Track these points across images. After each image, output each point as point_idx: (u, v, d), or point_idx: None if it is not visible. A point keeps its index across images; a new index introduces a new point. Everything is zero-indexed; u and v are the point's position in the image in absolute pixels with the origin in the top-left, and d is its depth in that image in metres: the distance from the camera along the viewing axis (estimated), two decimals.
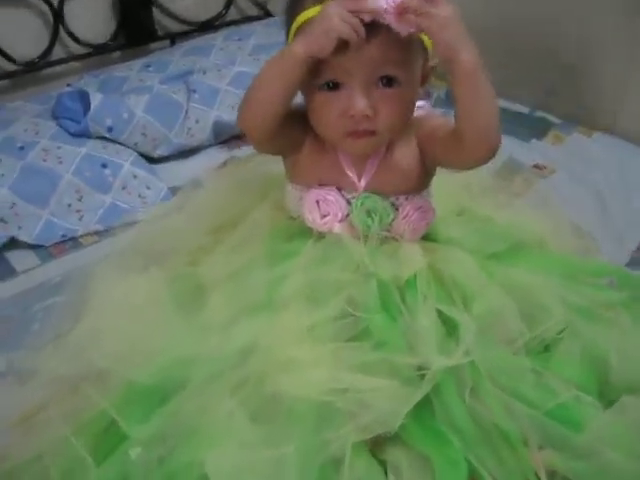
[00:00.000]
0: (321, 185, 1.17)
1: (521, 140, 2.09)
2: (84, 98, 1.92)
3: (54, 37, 2.20)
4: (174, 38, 2.46)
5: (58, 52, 2.25)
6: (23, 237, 1.70)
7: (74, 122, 1.89)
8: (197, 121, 2.02)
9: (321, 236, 1.17)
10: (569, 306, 1.16)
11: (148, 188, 1.87)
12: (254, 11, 2.61)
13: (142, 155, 1.95)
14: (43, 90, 2.20)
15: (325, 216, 1.15)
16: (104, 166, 1.84)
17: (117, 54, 2.39)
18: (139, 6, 2.33)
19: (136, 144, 1.94)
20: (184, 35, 2.46)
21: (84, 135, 1.89)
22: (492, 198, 1.45)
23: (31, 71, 2.21)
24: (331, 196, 1.15)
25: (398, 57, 1.05)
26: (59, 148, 1.83)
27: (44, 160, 1.79)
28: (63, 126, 1.90)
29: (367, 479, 0.98)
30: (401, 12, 0.98)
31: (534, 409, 1.03)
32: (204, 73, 2.10)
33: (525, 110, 2.26)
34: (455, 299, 1.11)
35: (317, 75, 1.07)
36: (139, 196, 1.85)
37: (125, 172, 1.86)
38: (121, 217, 1.78)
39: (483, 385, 1.04)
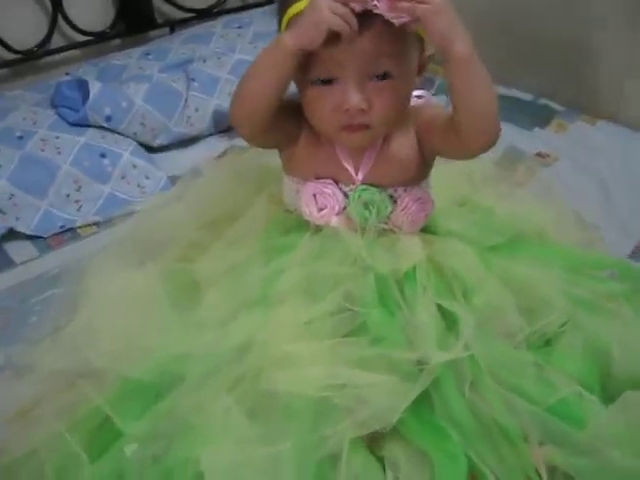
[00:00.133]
0: (318, 178, 1.15)
1: (523, 128, 2.07)
2: (83, 87, 1.91)
3: (53, 25, 2.19)
4: (173, 26, 2.44)
5: (57, 40, 2.24)
6: (21, 228, 1.70)
7: (73, 111, 1.88)
8: (197, 110, 2.01)
9: (318, 229, 1.15)
10: (570, 299, 1.14)
11: (147, 178, 1.86)
12: None
13: (141, 144, 1.94)
14: (42, 79, 2.19)
15: (322, 209, 1.14)
16: (103, 156, 1.84)
17: (116, 42, 2.38)
18: None
19: (135, 133, 1.93)
20: (184, 23, 2.45)
21: (83, 124, 1.88)
22: (493, 188, 1.44)
23: (30, 60, 2.20)
24: (328, 189, 1.13)
25: (392, 49, 1.04)
26: (57, 138, 1.82)
27: (42, 150, 1.78)
28: (62, 115, 1.89)
29: (364, 475, 0.97)
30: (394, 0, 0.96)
31: (535, 404, 1.02)
32: (204, 61, 2.09)
33: (528, 97, 2.24)
34: (455, 292, 1.10)
35: (310, 69, 1.05)
36: (138, 186, 1.84)
37: (124, 162, 1.85)
38: (120, 207, 1.77)
39: (483, 380, 1.03)
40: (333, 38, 0.99)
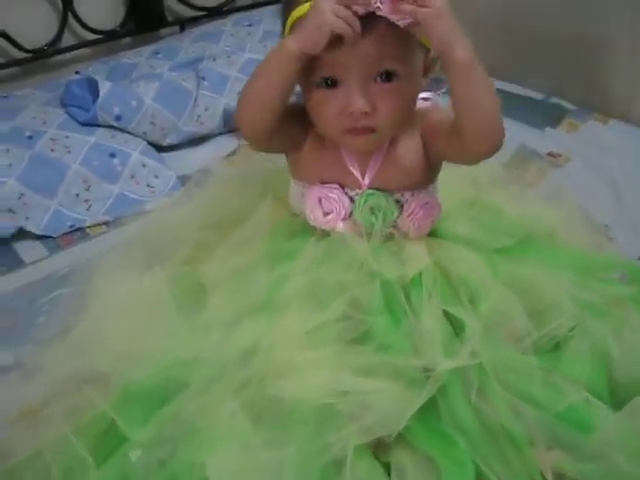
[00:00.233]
0: (323, 182, 1.14)
1: (535, 128, 2.06)
2: (93, 86, 1.90)
3: (63, 24, 2.19)
4: (184, 24, 2.44)
5: (67, 39, 2.24)
6: (31, 228, 1.70)
7: (83, 110, 1.88)
8: (206, 109, 2.00)
9: (324, 234, 1.15)
10: (579, 302, 1.14)
11: (157, 177, 1.86)
12: None
13: (151, 144, 1.94)
14: (52, 77, 2.19)
15: (328, 214, 1.13)
16: (112, 155, 1.84)
17: (126, 40, 2.38)
18: None
19: (145, 133, 1.93)
20: (194, 21, 2.44)
21: (93, 123, 1.88)
22: (503, 189, 1.42)
23: (40, 58, 2.20)
24: (334, 194, 1.12)
25: (396, 51, 1.03)
26: (67, 137, 1.82)
27: (52, 150, 1.78)
28: (72, 114, 1.89)
29: None
30: (397, 1, 0.96)
31: (543, 410, 1.02)
32: (214, 60, 2.08)
33: (540, 96, 2.22)
34: (462, 298, 1.09)
35: (314, 72, 1.05)
36: (147, 185, 1.84)
37: (134, 161, 1.85)
38: (129, 207, 1.78)
39: (490, 385, 1.02)
40: (336, 41, 0.99)
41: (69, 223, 1.74)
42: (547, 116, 2.12)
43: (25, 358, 1.25)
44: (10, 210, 1.68)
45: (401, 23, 0.98)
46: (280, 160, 1.22)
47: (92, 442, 1.05)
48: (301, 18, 1.02)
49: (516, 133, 1.99)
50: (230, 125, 2.04)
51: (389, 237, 1.14)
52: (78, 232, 1.74)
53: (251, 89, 1.07)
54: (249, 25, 2.27)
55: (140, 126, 1.91)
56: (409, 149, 1.13)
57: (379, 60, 1.03)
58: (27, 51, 2.14)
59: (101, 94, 1.86)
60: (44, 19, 2.18)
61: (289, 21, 1.05)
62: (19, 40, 2.11)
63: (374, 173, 1.13)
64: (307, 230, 1.16)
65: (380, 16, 0.97)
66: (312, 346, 1.03)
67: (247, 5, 2.54)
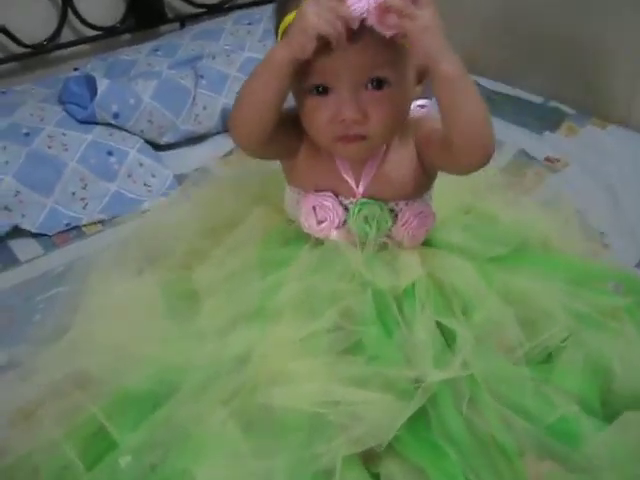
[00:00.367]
0: (318, 190, 1.14)
1: (534, 132, 2.06)
2: (91, 83, 1.90)
3: (62, 20, 2.18)
4: (184, 21, 2.43)
5: (67, 35, 2.23)
6: (26, 225, 1.70)
7: (81, 108, 1.88)
8: (205, 108, 2.00)
9: (318, 242, 1.15)
10: (572, 313, 1.13)
11: (153, 176, 1.86)
12: None
13: (148, 142, 1.94)
14: (51, 73, 2.19)
15: (322, 222, 1.13)
16: (110, 154, 1.83)
17: (126, 37, 2.37)
18: None
19: (142, 131, 1.92)
20: (194, 18, 2.43)
21: (91, 121, 1.87)
22: (500, 195, 1.42)
23: (39, 54, 2.19)
24: (328, 202, 1.12)
25: (386, 58, 1.02)
26: (64, 135, 1.82)
27: (49, 147, 1.78)
28: (70, 112, 1.88)
29: None
30: (383, 12, 0.95)
31: (534, 421, 1.02)
32: (213, 58, 2.08)
33: (538, 100, 2.22)
34: (454, 308, 1.09)
35: (305, 79, 1.04)
36: (144, 184, 1.84)
37: (131, 160, 1.85)
38: (126, 206, 1.78)
39: (481, 396, 1.02)
40: (326, 48, 0.99)
41: (65, 221, 1.73)
42: (546, 120, 2.11)
43: (19, 358, 1.25)
44: (6, 208, 1.68)
45: (387, 34, 0.97)
46: (276, 162, 1.22)
47: (82, 444, 1.05)
48: (292, 23, 1.01)
49: (515, 137, 2.00)
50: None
51: (383, 246, 1.14)
52: (74, 230, 1.74)
53: (245, 99, 1.07)
54: (249, 24, 2.26)
55: (138, 124, 1.91)
56: (403, 158, 1.13)
57: (369, 67, 1.02)
58: (26, 46, 2.14)
59: (99, 92, 1.85)
60: (44, 15, 2.17)
61: (281, 28, 1.05)
62: (18, 35, 2.10)
63: (368, 181, 1.13)
64: (301, 237, 1.16)
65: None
66: (304, 355, 1.03)
67: (248, 2, 2.53)
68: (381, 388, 1.00)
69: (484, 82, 2.27)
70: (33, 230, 1.70)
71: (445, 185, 1.23)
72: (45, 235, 1.71)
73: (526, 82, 2.24)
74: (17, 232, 1.70)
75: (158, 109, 1.93)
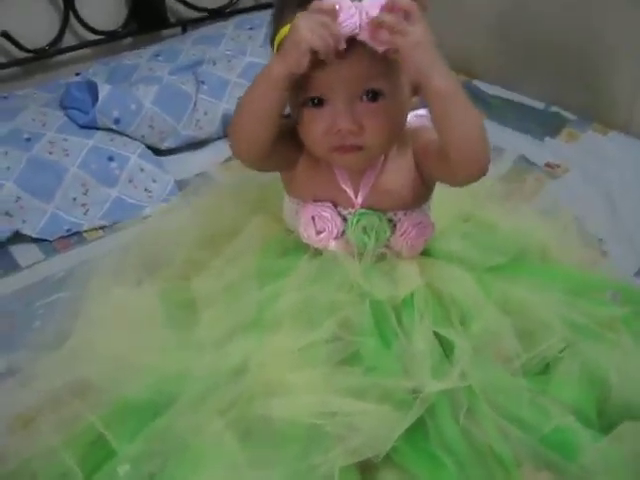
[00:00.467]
0: (317, 200, 1.15)
1: (535, 138, 2.06)
2: (92, 88, 1.90)
3: (64, 24, 2.19)
4: (186, 25, 2.44)
5: (69, 39, 2.23)
6: (27, 231, 1.70)
7: (82, 113, 1.88)
8: (206, 113, 2.00)
9: (317, 252, 1.15)
10: (569, 324, 1.14)
11: (154, 181, 1.86)
12: None
13: (149, 147, 1.94)
14: (53, 77, 2.19)
15: (320, 232, 1.14)
16: (111, 159, 1.83)
17: (128, 41, 2.37)
18: None
19: (143, 136, 1.92)
20: (196, 22, 2.44)
21: (92, 126, 1.88)
22: (499, 203, 1.43)
23: (41, 58, 2.20)
24: (326, 212, 1.13)
25: (380, 70, 1.03)
26: (65, 140, 1.82)
27: (50, 153, 1.78)
28: (71, 117, 1.88)
29: None
30: (376, 28, 0.96)
31: (530, 431, 1.02)
32: (214, 64, 2.08)
33: (540, 105, 2.21)
34: (453, 318, 1.10)
35: (302, 91, 1.05)
36: (145, 190, 1.84)
37: (132, 165, 1.85)
38: (126, 212, 1.78)
39: (479, 406, 1.03)
40: (320, 61, 0.99)
41: (66, 227, 1.74)
42: (547, 126, 2.11)
43: (18, 364, 1.26)
44: (7, 213, 1.68)
45: (380, 49, 0.98)
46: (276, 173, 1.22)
47: (81, 452, 1.05)
48: (285, 38, 1.02)
49: (515, 143, 2.00)
50: None
51: (381, 256, 1.15)
52: (75, 236, 1.74)
53: (244, 115, 1.08)
54: (250, 28, 2.26)
55: (139, 129, 1.91)
56: (402, 168, 1.13)
57: (364, 80, 1.03)
58: (28, 51, 2.14)
59: (100, 97, 1.86)
60: (46, 19, 2.18)
61: (276, 40, 1.05)
62: (20, 40, 2.10)
63: (367, 192, 1.13)
64: (300, 247, 1.17)
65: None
66: (302, 366, 1.03)
67: (249, 7, 2.54)
68: (378, 399, 1.00)
69: (485, 87, 2.28)
70: (34, 235, 1.70)
71: (444, 192, 1.23)
72: (46, 240, 1.71)
73: (527, 87, 2.24)
74: (18, 237, 1.70)
75: (159, 114, 1.93)
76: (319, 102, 1.05)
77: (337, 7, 0.97)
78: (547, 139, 2.06)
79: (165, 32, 2.42)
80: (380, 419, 0.98)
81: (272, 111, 1.05)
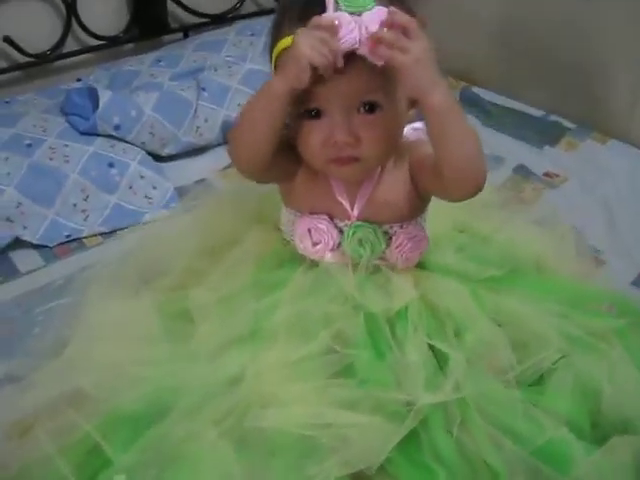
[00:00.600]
0: (313, 212, 1.16)
1: (534, 146, 2.06)
2: (93, 95, 1.91)
3: (66, 29, 2.19)
4: (187, 31, 2.44)
5: (70, 44, 2.23)
6: (27, 237, 1.70)
7: (83, 119, 1.89)
8: (206, 120, 2.01)
9: (313, 264, 1.16)
10: (564, 336, 1.14)
11: (154, 188, 1.86)
12: (271, 3, 2.56)
13: (150, 154, 1.94)
14: (54, 82, 2.19)
15: (316, 244, 1.15)
16: (111, 165, 1.84)
17: (130, 46, 2.38)
18: None
19: (143, 143, 1.93)
20: (197, 28, 2.44)
21: (93, 132, 1.88)
22: (494, 214, 1.43)
23: (43, 63, 2.20)
24: (322, 225, 1.14)
25: (378, 83, 1.04)
26: (66, 146, 1.82)
27: (51, 159, 1.78)
28: (72, 123, 1.89)
29: None
30: (375, 43, 0.97)
31: (523, 444, 1.02)
32: (215, 70, 2.09)
33: (539, 114, 2.22)
34: (447, 331, 1.10)
35: (300, 104, 1.06)
36: (145, 197, 1.84)
37: (132, 172, 1.85)
38: (126, 218, 1.79)
39: (472, 418, 1.03)
40: (319, 75, 1.00)
41: (66, 233, 1.74)
42: (546, 134, 2.12)
43: (17, 371, 1.26)
44: (8, 219, 1.69)
45: (379, 64, 0.99)
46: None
47: (77, 461, 1.05)
48: (286, 50, 1.03)
49: (515, 151, 2.01)
50: None
51: (376, 269, 1.15)
52: (75, 242, 1.74)
53: (244, 129, 1.09)
54: (252, 34, 2.27)
55: (139, 136, 1.91)
56: (398, 180, 1.14)
57: (361, 92, 1.04)
58: (30, 56, 2.14)
59: (101, 103, 1.86)
60: (48, 24, 2.18)
61: (274, 52, 1.07)
62: (22, 45, 2.11)
63: (363, 204, 1.14)
64: (296, 259, 1.18)
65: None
66: (296, 378, 1.04)
67: (251, 13, 2.54)
68: (372, 411, 1.01)
69: (484, 94, 2.28)
70: (34, 241, 1.71)
71: (440, 202, 1.23)
72: (46, 247, 1.72)
73: (527, 95, 2.25)
74: (18, 243, 1.70)
75: (159, 121, 1.94)
76: (317, 114, 1.06)
77: (336, 23, 0.98)
78: (546, 148, 2.07)
79: (166, 38, 2.42)
80: (374, 431, 0.99)
81: (273, 125, 1.06)
